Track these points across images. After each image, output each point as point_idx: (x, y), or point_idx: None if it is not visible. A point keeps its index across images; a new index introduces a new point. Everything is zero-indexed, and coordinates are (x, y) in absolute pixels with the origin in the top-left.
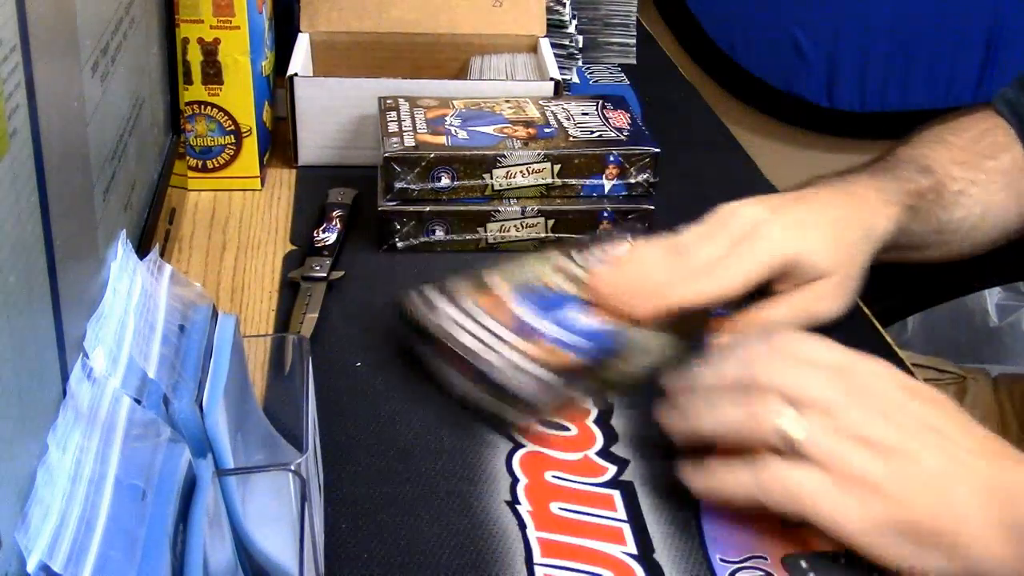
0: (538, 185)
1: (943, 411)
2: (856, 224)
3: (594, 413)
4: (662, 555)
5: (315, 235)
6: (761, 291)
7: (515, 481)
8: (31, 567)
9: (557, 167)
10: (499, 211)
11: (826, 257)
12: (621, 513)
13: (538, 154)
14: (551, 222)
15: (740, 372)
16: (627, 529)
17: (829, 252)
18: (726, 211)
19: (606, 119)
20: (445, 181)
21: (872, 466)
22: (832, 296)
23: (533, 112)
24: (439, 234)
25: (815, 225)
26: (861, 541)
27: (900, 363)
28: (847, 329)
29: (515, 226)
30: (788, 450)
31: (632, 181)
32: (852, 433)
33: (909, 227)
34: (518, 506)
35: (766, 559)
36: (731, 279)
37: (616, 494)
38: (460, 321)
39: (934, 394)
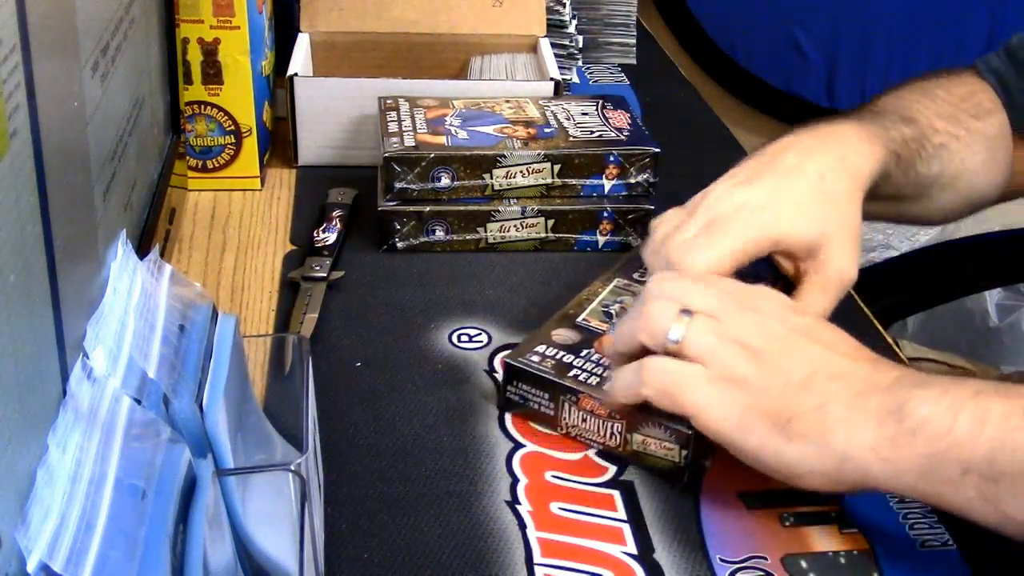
0: (538, 185)
1: (827, 328)
2: (840, 171)
3: None
4: (662, 555)
5: (315, 235)
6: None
7: (515, 481)
8: (31, 567)
9: (557, 167)
10: (499, 211)
11: (810, 226)
12: (621, 513)
13: (538, 154)
14: (551, 222)
15: (648, 288)
16: (627, 529)
17: (811, 220)
18: (703, 196)
19: (606, 119)
20: (445, 181)
21: (742, 365)
22: (844, 259)
23: (533, 112)
24: (439, 234)
25: (794, 194)
26: (726, 432)
27: (900, 362)
28: (848, 329)
29: (515, 226)
30: (673, 351)
31: (632, 181)
32: (731, 336)
33: (891, 174)
34: (518, 506)
35: (766, 559)
36: (708, 261)
37: (616, 494)
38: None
39: (821, 319)
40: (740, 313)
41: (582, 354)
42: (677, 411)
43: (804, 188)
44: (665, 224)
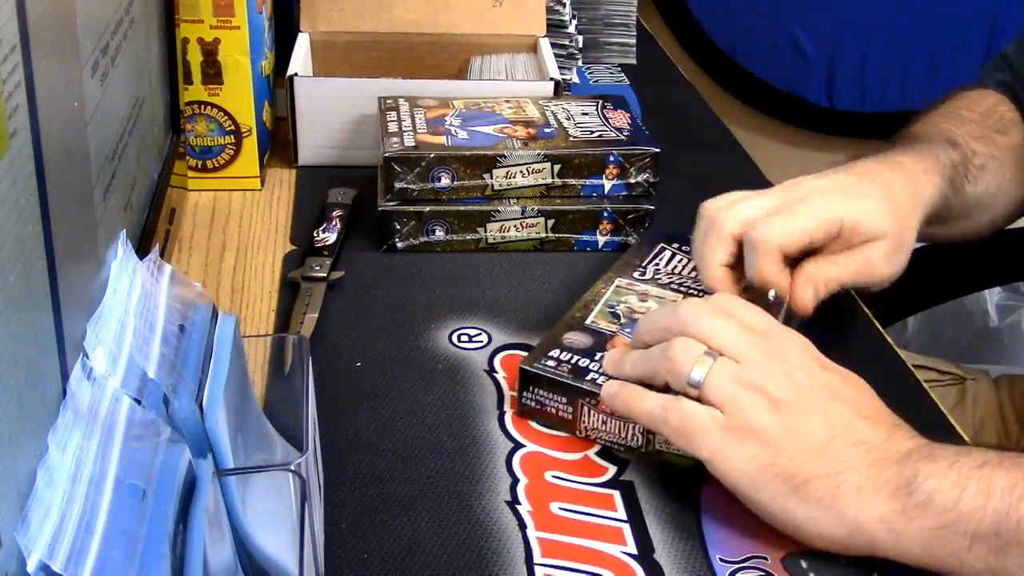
0: (538, 185)
1: (850, 385)
2: (905, 189)
3: None
4: (662, 555)
5: (315, 235)
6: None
7: (515, 481)
8: (31, 567)
9: (557, 167)
10: (499, 211)
11: (880, 221)
12: (621, 513)
13: (538, 154)
14: (551, 222)
15: (670, 320)
16: (627, 529)
17: (882, 216)
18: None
19: (606, 119)
20: (445, 181)
21: (762, 416)
22: (886, 258)
23: (533, 112)
24: (439, 234)
25: (866, 192)
26: (741, 486)
27: (901, 363)
28: (848, 329)
29: (515, 226)
30: (696, 392)
31: (632, 181)
32: (753, 384)
33: (947, 202)
34: (518, 506)
35: (766, 559)
36: (790, 231)
37: (616, 494)
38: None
39: (847, 372)
40: (765, 360)
41: (596, 357)
42: (692, 454)
43: (873, 189)
44: (721, 199)
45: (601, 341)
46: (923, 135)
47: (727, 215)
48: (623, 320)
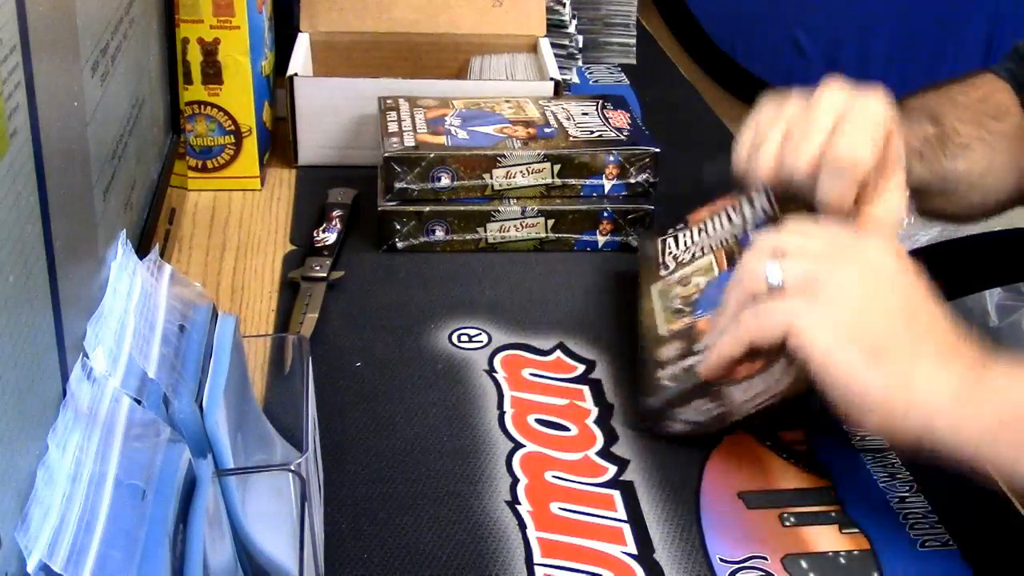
0: (538, 185)
1: (924, 291)
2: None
3: (594, 413)
4: (662, 555)
5: (315, 235)
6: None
7: (515, 481)
8: (31, 567)
9: (557, 167)
10: (499, 211)
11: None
12: (621, 513)
13: (538, 154)
14: (551, 222)
15: (735, 279)
16: (627, 529)
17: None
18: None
19: (606, 119)
20: (445, 181)
21: (848, 286)
22: (902, 192)
23: (533, 112)
24: (439, 234)
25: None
26: (828, 357)
27: None
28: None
29: (515, 226)
30: (777, 295)
31: (632, 181)
32: (825, 269)
33: (918, 173)
34: (518, 506)
35: (766, 559)
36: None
37: (616, 494)
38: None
39: (914, 273)
40: (834, 251)
41: (695, 350)
42: (791, 345)
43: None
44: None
45: (689, 334)
46: (906, 107)
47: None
48: (688, 306)
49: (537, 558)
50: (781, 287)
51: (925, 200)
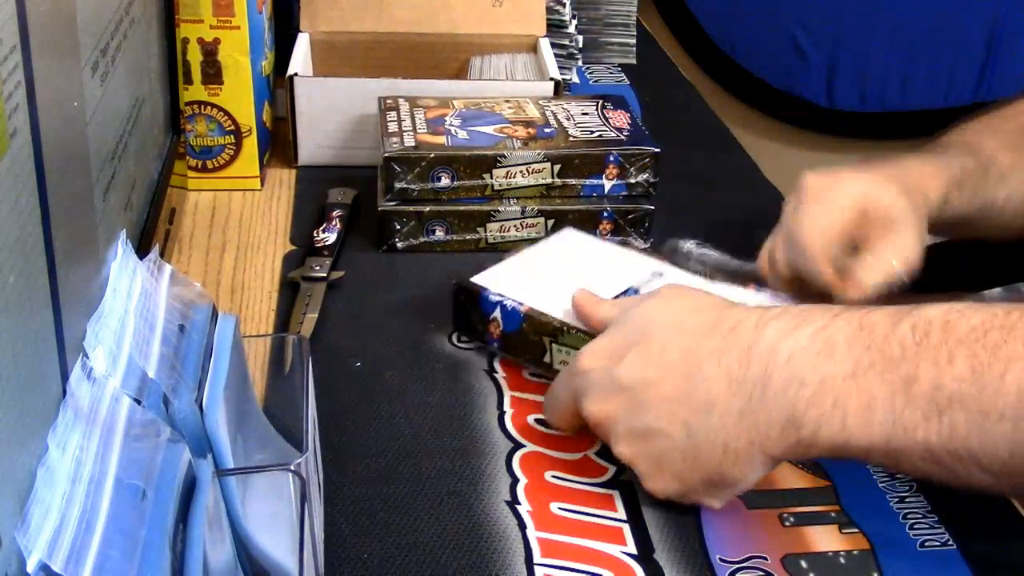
0: (538, 185)
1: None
2: (913, 186)
3: None
4: (662, 555)
5: (315, 235)
6: None
7: (515, 481)
8: (31, 567)
9: (557, 167)
10: (499, 211)
11: (897, 202)
12: (621, 513)
13: (538, 154)
14: (551, 222)
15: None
16: (627, 529)
17: (899, 199)
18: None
19: (606, 119)
20: (445, 181)
21: (646, 457)
22: (913, 243)
23: (533, 112)
24: (439, 234)
25: (881, 180)
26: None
27: None
28: None
29: (515, 226)
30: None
31: (632, 181)
32: (635, 432)
33: (957, 207)
34: (518, 506)
35: (766, 559)
36: (823, 227)
37: (616, 494)
38: None
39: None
40: (626, 404)
41: None
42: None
43: (889, 181)
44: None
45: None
46: (944, 143)
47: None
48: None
49: (537, 558)
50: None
51: (969, 229)
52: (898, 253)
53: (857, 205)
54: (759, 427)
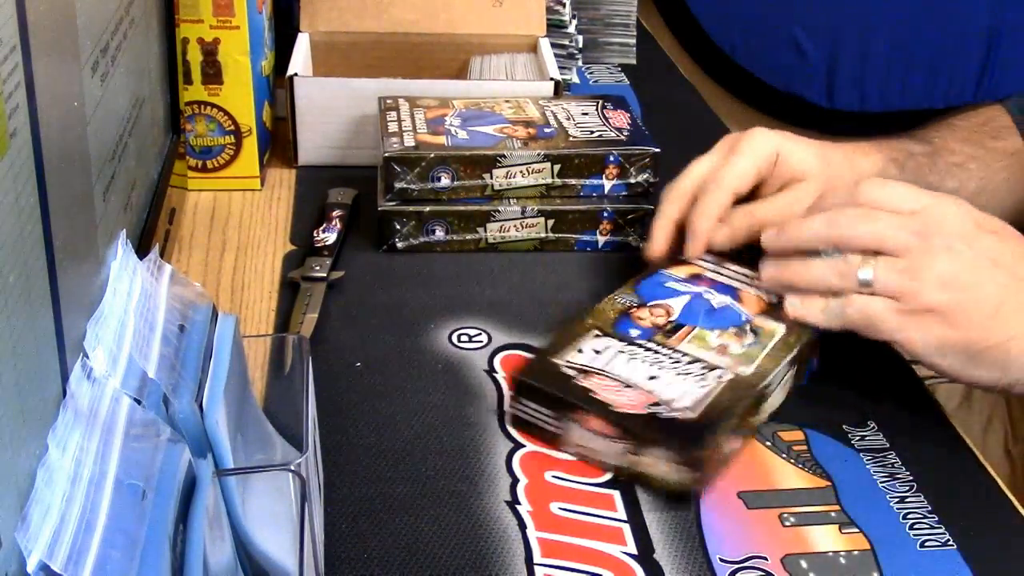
0: (538, 185)
1: (1008, 244)
2: (838, 153)
3: None
4: (662, 555)
5: (315, 235)
6: None
7: (515, 481)
8: (31, 567)
9: (557, 167)
10: (499, 211)
11: (807, 160)
12: (621, 513)
13: (538, 154)
14: (551, 222)
15: (827, 230)
16: (627, 529)
17: (811, 158)
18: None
19: (606, 119)
20: (445, 181)
21: (934, 296)
22: (811, 198)
23: (533, 112)
24: (439, 234)
25: (800, 139)
26: (925, 358)
27: (900, 361)
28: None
29: (515, 226)
30: (867, 290)
31: (632, 181)
32: (919, 271)
33: (891, 174)
34: (518, 506)
35: (766, 559)
36: (734, 177)
37: (616, 494)
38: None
39: (1002, 228)
40: (924, 242)
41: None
42: (881, 339)
43: (809, 143)
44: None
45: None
46: (896, 135)
47: (684, 179)
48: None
49: (537, 558)
50: (869, 287)
51: None
52: (780, 208)
53: (770, 156)
54: None
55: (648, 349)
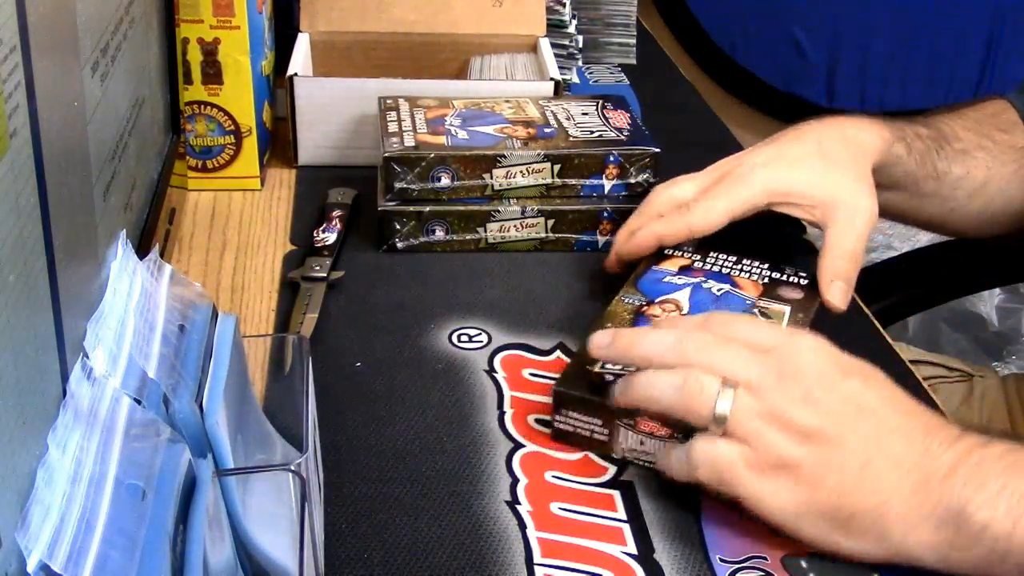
0: (538, 185)
1: (874, 389)
2: (839, 140)
3: None
4: (662, 555)
5: (315, 235)
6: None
7: (515, 481)
8: (31, 567)
9: (557, 167)
10: (499, 211)
11: (809, 178)
12: (621, 513)
13: (538, 154)
14: (551, 222)
15: (677, 351)
16: (627, 529)
17: (812, 172)
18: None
19: (606, 119)
20: (445, 181)
21: (792, 450)
22: (849, 221)
23: (533, 112)
24: (439, 234)
25: (787, 154)
26: (784, 523)
27: (900, 363)
28: (847, 329)
29: (515, 226)
30: (718, 428)
31: (632, 181)
32: (775, 415)
33: (903, 161)
34: (518, 506)
35: (766, 559)
36: (712, 214)
37: (616, 494)
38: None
39: (866, 369)
40: (782, 383)
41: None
42: (732, 497)
43: (801, 150)
44: (668, 182)
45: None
46: (902, 119)
47: (659, 195)
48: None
49: (537, 558)
50: (723, 426)
51: (922, 202)
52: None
53: (759, 197)
54: (921, 504)
55: None
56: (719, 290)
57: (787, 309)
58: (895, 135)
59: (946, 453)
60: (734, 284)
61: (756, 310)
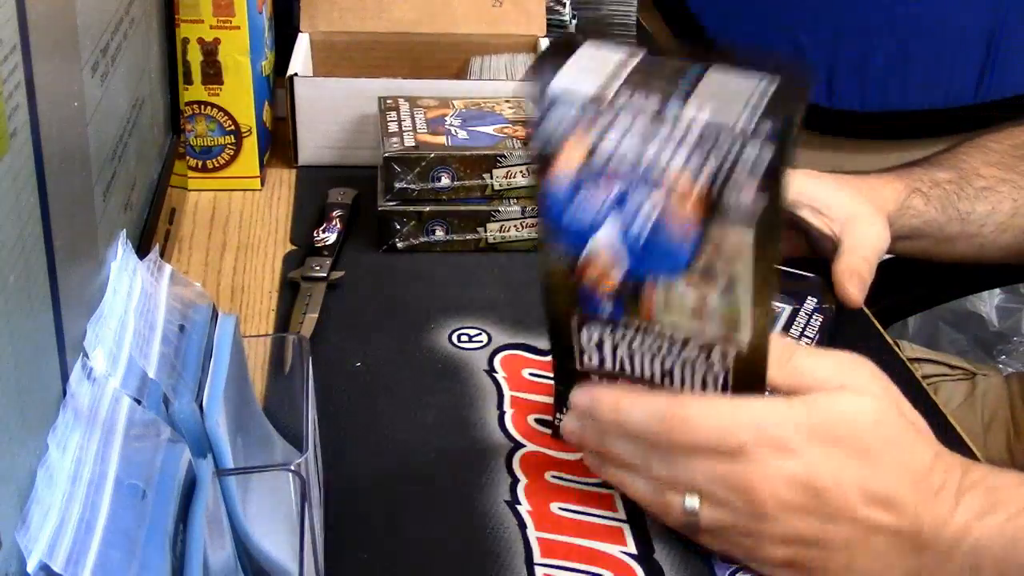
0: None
1: (846, 524)
2: (863, 192)
3: None
4: (662, 555)
5: (315, 235)
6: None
7: (515, 481)
8: (31, 567)
9: None
10: (499, 211)
11: (842, 205)
12: (621, 513)
13: None
14: None
15: (636, 462)
16: (627, 529)
17: (843, 201)
18: None
19: None
20: (445, 181)
21: (776, 551)
22: (866, 234)
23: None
24: (439, 234)
25: (824, 176)
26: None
27: (900, 364)
28: (847, 329)
29: (515, 226)
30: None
31: None
32: (743, 528)
33: (923, 211)
34: (518, 506)
35: None
36: None
37: (616, 494)
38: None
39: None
40: (750, 506)
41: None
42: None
43: (835, 186)
44: None
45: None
46: (921, 161)
47: None
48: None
49: (537, 558)
50: (696, 515)
51: (949, 246)
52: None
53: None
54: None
55: (636, 331)
56: (644, 218)
57: (745, 236)
58: (909, 188)
59: (948, 527)
60: (661, 192)
61: (703, 253)
